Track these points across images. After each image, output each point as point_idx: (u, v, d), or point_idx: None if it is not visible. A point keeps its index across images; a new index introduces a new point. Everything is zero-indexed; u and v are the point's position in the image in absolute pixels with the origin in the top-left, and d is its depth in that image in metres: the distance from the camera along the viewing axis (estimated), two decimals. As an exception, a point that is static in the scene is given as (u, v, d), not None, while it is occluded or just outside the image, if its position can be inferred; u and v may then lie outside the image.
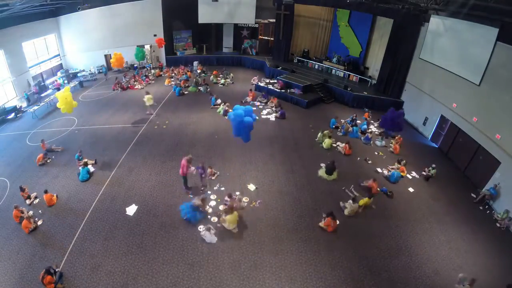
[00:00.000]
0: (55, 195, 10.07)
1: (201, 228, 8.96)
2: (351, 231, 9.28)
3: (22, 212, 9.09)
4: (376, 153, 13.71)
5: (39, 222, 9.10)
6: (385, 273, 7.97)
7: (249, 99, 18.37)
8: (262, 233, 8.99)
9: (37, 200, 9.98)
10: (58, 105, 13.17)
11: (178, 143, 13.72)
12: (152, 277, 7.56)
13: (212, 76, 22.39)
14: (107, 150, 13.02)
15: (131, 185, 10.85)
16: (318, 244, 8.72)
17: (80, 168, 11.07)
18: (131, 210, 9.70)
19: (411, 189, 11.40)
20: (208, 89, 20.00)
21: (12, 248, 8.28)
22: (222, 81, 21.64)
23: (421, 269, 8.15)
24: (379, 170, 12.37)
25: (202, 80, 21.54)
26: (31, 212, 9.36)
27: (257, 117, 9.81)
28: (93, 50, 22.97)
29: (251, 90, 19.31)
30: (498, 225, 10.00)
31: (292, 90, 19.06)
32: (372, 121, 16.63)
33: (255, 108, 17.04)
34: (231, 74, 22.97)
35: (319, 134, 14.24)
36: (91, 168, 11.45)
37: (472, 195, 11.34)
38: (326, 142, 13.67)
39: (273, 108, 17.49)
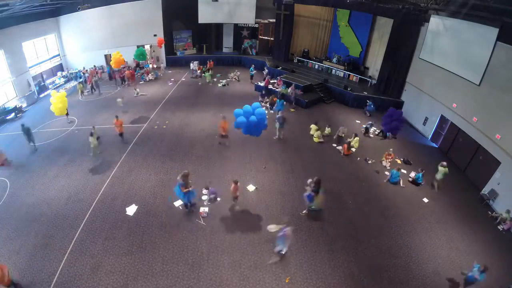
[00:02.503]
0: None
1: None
2: (351, 231, 9.29)
3: None
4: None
5: None
6: (385, 273, 7.97)
7: (262, 84, 19.71)
8: (262, 233, 8.99)
9: None
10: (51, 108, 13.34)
11: (178, 143, 13.72)
12: (152, 277, 7.56)
13: (206, 73, 22.06)
14: (107, 150, 13.02)
15: (131, 185, 10.85)
16: (318, 244, 8.73)
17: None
18: (131, 210, 9.71)
19: (411, 189, 11.39)
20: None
21: (12, 248, 8.27)
22: (223, 82, 21.59)
23: (421, 269, 8.15)
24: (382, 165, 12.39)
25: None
26: None
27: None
28: (93, 50, 22.98)
29: (264, 78, 20.22)
30: (500, 228, 9.84)
31: (290, 90, 18.72)
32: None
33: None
34: (238, 72, 23.27)
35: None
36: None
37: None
38: (316, 133, 14.32)
39: (267, 105, 17.60)
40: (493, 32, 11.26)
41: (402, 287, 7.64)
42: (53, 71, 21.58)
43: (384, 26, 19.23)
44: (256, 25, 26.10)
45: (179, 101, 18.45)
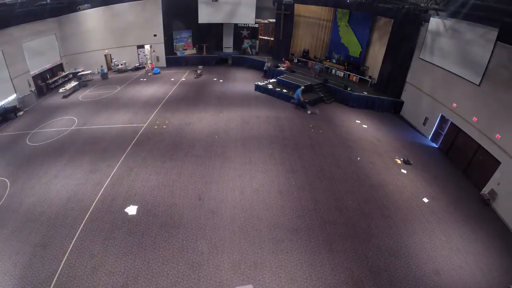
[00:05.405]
0: None
1: None
2: (351, 231, 9.28)
3: None
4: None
5: None
6: (385, 273, 7.97)
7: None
8: (262, 233, 8.99)
9: None
10: None
11: (178, 143, 13.72)
12: (152, 277, 7.56)
13: None
14: (107, 150, 13.02)
15: (131, 185, 10.85)
16: (318, 244, 8.72)
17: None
18: (131, 210, 9.71)
19: (411, 189, 11.40)
20: None
21: (12, 248, 8.27)
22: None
23: (421, 269, 8.15)
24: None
25: None
26: None
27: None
28: (93, 50, 22.97)
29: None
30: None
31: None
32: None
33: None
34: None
35: None
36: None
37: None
38: None
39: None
40: (493, 32, 11.27)
41: (402, 287, 7.65)
42: (53, 71, 21.57)
43: (384, 26, 19.24)
44: (256, 25, 26.11)
45: (179, 101, 18.45)
